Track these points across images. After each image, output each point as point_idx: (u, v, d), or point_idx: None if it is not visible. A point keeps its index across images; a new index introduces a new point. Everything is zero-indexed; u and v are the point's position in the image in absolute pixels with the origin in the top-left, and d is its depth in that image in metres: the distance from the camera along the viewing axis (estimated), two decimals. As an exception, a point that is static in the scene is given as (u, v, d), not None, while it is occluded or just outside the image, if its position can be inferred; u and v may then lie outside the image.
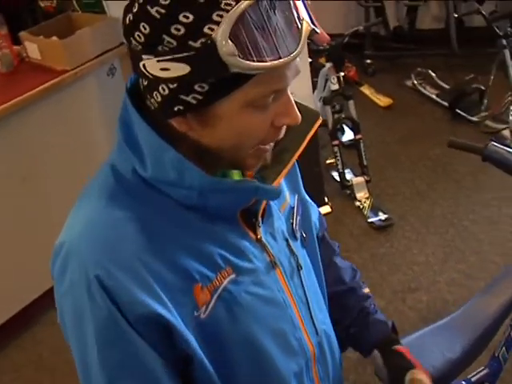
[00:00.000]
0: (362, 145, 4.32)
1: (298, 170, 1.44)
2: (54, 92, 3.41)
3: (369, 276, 3.61)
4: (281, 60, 0.95)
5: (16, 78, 3.56)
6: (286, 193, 1.35)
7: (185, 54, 0.95)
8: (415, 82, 5.58)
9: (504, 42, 4.65)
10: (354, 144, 4.42)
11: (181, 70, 0.96)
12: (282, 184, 1.34)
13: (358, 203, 4.22)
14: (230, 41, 0.91)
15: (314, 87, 4.55)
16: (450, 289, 3.47)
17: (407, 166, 4.60)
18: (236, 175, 1.19)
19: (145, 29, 0.97)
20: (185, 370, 1.10)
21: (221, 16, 0.92)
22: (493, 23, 4.72)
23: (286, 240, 1.29)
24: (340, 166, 4.29)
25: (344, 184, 4.32)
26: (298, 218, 1.36)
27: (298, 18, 1.00)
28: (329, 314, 1.48)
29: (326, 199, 4.23)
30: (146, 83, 1.02)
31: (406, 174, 4.52)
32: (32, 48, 3.62)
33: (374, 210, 4.13)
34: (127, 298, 1.00)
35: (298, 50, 0.97)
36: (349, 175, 4.40)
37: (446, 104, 5.17)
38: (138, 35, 0.98)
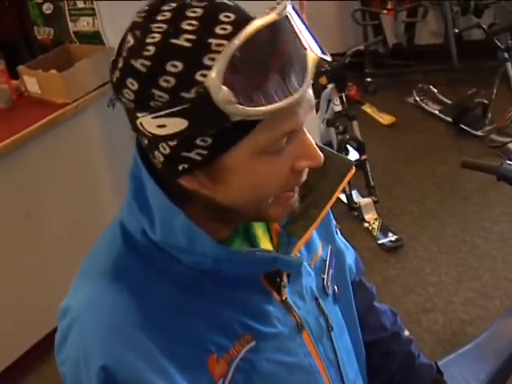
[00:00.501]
0: (367, 165, 4.26)
1: (331, 218, 1.33)
2: (54, 126, 3.36)
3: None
4: (287, 99, 0.84)
5: (15, 113, 3.51)
6: (319, 245, 1.24)
7: (179, 108, 0.85)
8: (417, 98, 5.55)
9: (506, 54, 4.63)
10: (359, 165, 4.35)
11: (178, 125, 0.86)
12: (314, 236, 1.23)
13: (366, 225, 4.17)
14: (224, 86, 0.81)
15: (317, 109, 4.52)
16: (465, 308, 3.40)
17: (414, 185, 4.55)
18: (260, 230, 1.12)
19: (132, 85, 0.88)
20: None
21: (213, 59, 0.83)
22: (493, 36, 4.69)
23: (316, 299, 1.17)
24: (347, 188, 4.23)
25: (351, 206, 4.25)
26: (331, 271, 1.25)
27: (302, 47, 0.89)
28: (369, 363, 1.40)
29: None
30: (146, 142, 0.93)
31: (413, 193, 4.46)
32: (31, 82, 3.58)
33: (384, 231, 4.08)
34: (133, 377, 0.92)
35: (306, 84, 0.86)
36: (356, 197, 4.34)
37: (449, 119, 5.14)
38: (127, 92, 0.89)
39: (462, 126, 5.01)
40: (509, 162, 1.99)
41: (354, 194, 4.34)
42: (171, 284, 0.98)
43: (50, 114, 3.33)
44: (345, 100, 4.26)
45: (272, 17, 0.84)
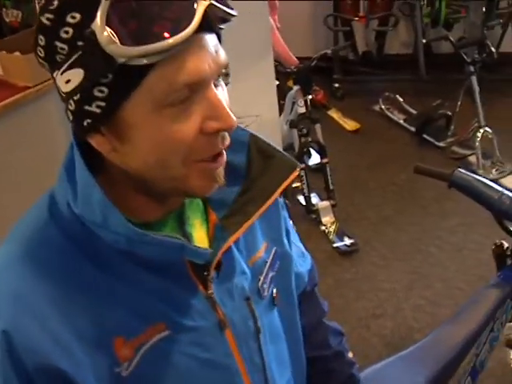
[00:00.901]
0: (328, 169, 4.27)
1: (283, 219, 1.27)
2: (15, 108, 3.32)
3: (333, 302, 3.55)
4: (173, 38, 0.83)
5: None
6: (262, 244, 1.20)
7: (76, 56, 0.86)
8: (383, 106, 5.60)
9: (471, 68, 4.66)
10: (320, 168, 4.38)
11: (77, 76, 0.87)
12: (256, 234, 1.19)
13: (323, 228, 4.17)
14: (108, 28, 0.82)
15: (282, 110, 4.53)
16: (415, 315, 3.42)
17: (374, 192, 4.58)
18: (197, 221, 1.09)
19: (41, 41, 0.89)
20: None
21: None
22: (460, 49, 4.73)
23: (247, 299, 1.12)
24: (306, 190, 4.24)
25: (309, 208, 4.26)
26: (271, 274, 1.20)
27: None
28: (308, 379, 1.36)
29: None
30: (65, 106, 0.93)
31: (372, 199, 4.49)
32: (-7, 62, 3.55)
33: (340, 234, 4.09)
34: (31, 353, 0.90)
35: (191, 27, 0.85)
36: (315, 199, 4.35)
37: (413, 129, 5.18)
38: (40, 50, 0.90)
39: (425, 136, 5.07)
40: (460, 170, 2.00)
41: (313, 196, 4.35)
42: (89, 261, 0.96)
43: (10, 96, 3.30)
44: (309, 103, 4.26)
45: None
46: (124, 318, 0.96)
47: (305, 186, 4.24)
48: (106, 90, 0.87)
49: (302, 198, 4.35)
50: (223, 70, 0.94)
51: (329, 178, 4.28)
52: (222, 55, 0.92)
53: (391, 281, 3.71)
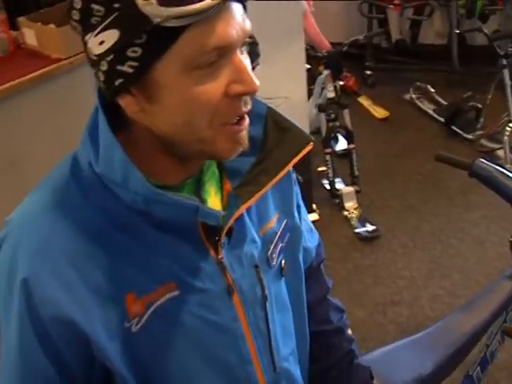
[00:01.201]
0: (354, 155, 4.29)
1: (294, 193, 1.32)
2: (48, 79, 3.37)
3: (351, 287, 3.58)
4: (205, 1, 0.88)
5: (10, 63, 3.51)
6: (274, 216, 1.24)
7: (112, 17, 0.91)
8: (413, 96, 5.58)
9: (504, 61, 4.62)
10: (346, 153, 4.39)
11: (112, 37, 0.92)
12: (269, 205, 1.24)
13: (345, 213, 4.19)
14: None
15: (311, 94, 4.55)
16: (431, 305, 3.44)
17: (399, 180, 4.58)
18: (212, 188, 1.14)
19: (77, 4, 0.94)
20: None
21: None
22: (494, 42, 4.70)
23: (256, 266, 1.17)
24: (331, 175, 4.27)
25: (333, 193, 4.29)
26: (280, 244, 1.25)
27: None
28: (309, 352, 1.40)
29: (314, 206, 4.20)
30: (95, 70, 0.98)
31: (397, 187, 4.50)
32: (29, 34, 3.59)
33: (362, 220, 4.11)
34: (46, 301, 0.96)
35: None
36: (339, 184, 4.37)
37: (442, 120, 5.17)
38: (75, 13, 0.95)
39: (454, 127, 5.04)
40: (482, 160, 2.01)
41: (338, 181, 4.37)
42: (106, 219, 1.01)
43: (43, 67, 3.34)
44: (338, 88, 4.28)
45: None
46: (137, 275, 1.01)
47: (330, 171, 4.26)
48: (139, 50, 0.91)
49: (326, 183, 4.37)
50: (247, 39, 0.99)
51: (354, 164, 4.30)
52: (248, 24, 0.98)
53: (410, 269, 3.73)
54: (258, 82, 0.98)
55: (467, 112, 5.09)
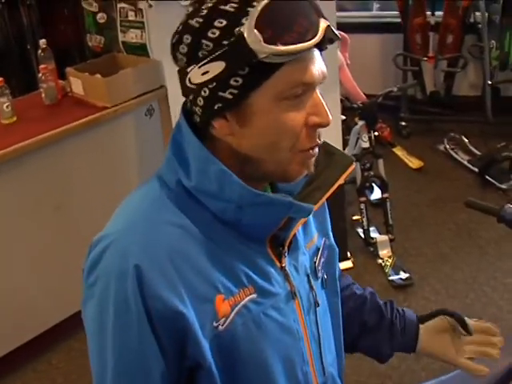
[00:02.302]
0: (388, 204, 4.36)
1: (328, 217, 1.48)
2: (92, 127, 3.53)
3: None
4: (301, 45, 1.05)
5: (58, 110, 3.69)
6: (315, 233, 1.41)
7: (220, 52, 1.07)
8: (447, 146, 5.64)
9: (537, 112, 4.69)
10: (380, 203, 4.46)
11: (217, 67, 1.07)
12: (311, 225, 1.40)
13: (380, 261, 4.25)
14: (255, 30, 1.04)
15: (346, 145, 4.64)
16: (465, 353, 3.45)
17: (432, 229, 4.63)
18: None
19: (187, 39, 1.10)
20: (190, 381, 1.15)
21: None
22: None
23: (308, 276, 1.33)
24: (365, 223, 4.34)
25: (368, 241, 4.35)
26: (322, 259, 1.40)
27: (318, 13, 1.10)
28: (359, 333, 1.58)
29: (349, 254, 4.27)
30: (191, 97, 1.14)
31: (430, 237, 4.54)
32: (76, 83, 3.76)
33: (396, 268, 4.16)
34: (154, 293, 1.07)
35: (316, 39, 1.07)
36: (373, 233, 4.44)
37: (476, 170, 5.22)
38: (183, 47, 1.12)
39: (488, 177, 5.09)
40: (510, 206, 2.06)
41: (372, 230, 4.44)
42: (197, 226, 1.15)
43: (89, 115, 3.50)
44: (373, 138, 4.37)
45: None
46: (223, 279, 1.15)
47: (364, 219, 4.33)
48: (240, 80, 1.08)
49: (361, 231, 4.45)
50: (323, 80, 1.15)
51: (389, 212, 4.36)
52: (325, 68, 1.14)
53: (443, 317, 3.74)
54: (331, 116, 1.15)
55: (501, 162, 5.15)
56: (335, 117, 3.84)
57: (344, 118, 4.54)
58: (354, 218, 4.63)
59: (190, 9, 1.14)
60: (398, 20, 6.15)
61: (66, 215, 3.55)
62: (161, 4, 3.56)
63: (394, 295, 3.96)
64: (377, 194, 4.73)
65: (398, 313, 1.63)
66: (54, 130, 3.34)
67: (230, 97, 1.09)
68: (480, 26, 5.73)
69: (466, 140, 5.59)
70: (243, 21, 1.06)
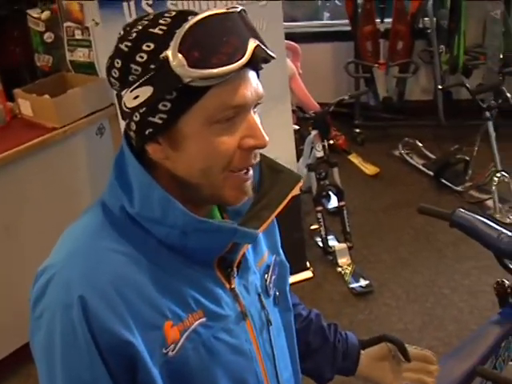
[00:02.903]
0: (345, 212, 4.37)
1: (277, 233, 1.47)
2: (43, 148, 3.47)
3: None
4: (226, 68, 1.04)
5: (7, 133, 3.62)
6: (265, 251, 1.39)
7: (147, 76, 1.06)
8: (402, 151, 5.69)
9: (488, 114, 4.75)
10: (337, 211, 4.47)
11: (147, 92, 1.06)
12: (261, 242, 1.38)
13: (339, 269, 4.24)
14: (179, 54, 1.03)
15: (302, 154, 4.64)
16: (427, 356, 3.45)
17: (390, 234, 4.65)
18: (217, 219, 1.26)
19: (118, 64, 1.10)
20: None
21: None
22: (477, 95, 4.83)
23: (259, 295, 1.32)
24: (323, 232, 4.34)
25: (326, 250, 4.35)
26: (273, 276, 1.39)
27: (249, 32, 1.09)
28: (303, 355, 1.54)
29: (308, 264, 4.26)
30: (127, 121, 1.12)
31: (388, 242, 4.56)
32: (24, 105, 3.70)
33: (356, 276, 4.16)
34: (100, 323, 1.04)
35: (244, 60, 1.05)
36: (332, 241, 4.44)
37: (431, 174, 5.27)
38: (114, 71, 1.11)
39: (443, 180, 5.14)
40: (461, 210, 2.07)
41: (330, 238, 4.44)
42: (141, 253, 1.13)
43: (39, 137, 3.44)
44: (327, 147, 4.37)
45: (221, 10, 1.08)
46: (171, 305, 1.13)
47: (322, 229, 4.34)
48: (169, 104, 1.07)
49: (319, 240, 4.44)
50: (259, 101, 1.14)
51: (346, 220, 4.37)
52: (261, 89, 1.13)
53: (404, 322, 3.76)
54: (267, 138, 1.13)
55: (455, 165, 5.21)
56: (288, 127, 3.85)
57: (297, 127, 4.55)
58: (312, 227, 4.63)
59: (122, 32, 1.12)
60: (349, 28, 6.19)
61: (15, 235, 3.48)
62: (107, 22, 3.54)
63: (355, 303, 3.97)
64: (334, 202, 4.75)
65: (340, 336, 1.65)
66: (4, 152, 3.28)
67: (160, 121, 1.08)
68: (429, 31, 5.83)
69: (421, 144, 5.65)
70: (171, 43, 1.05)
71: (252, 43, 1.08)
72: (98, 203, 1.19)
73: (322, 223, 4.33)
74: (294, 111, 4.17)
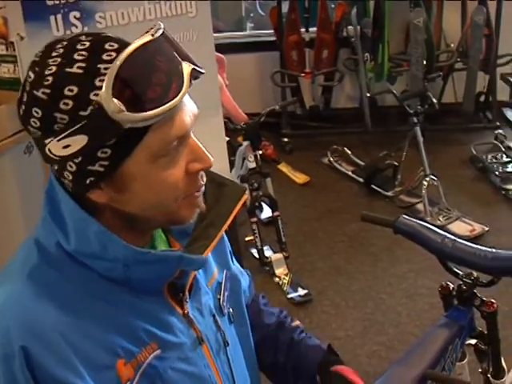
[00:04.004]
0: (279, 222, 4.35)
1: (226, 245, 1.44)
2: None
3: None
4: (167, 105, 0.97)
5: None
6: (215, 268, 1.35)
7: (79, 125, 0.97)
8: (331, 159, 5.72)
9: (415, 119, 4.82)
10: (272, 221, 4.45)
11: (80, 141, 0.97)
12: (210, 260, 1.34)
13: (277, 279, 4.22)
14: (114, 99, 0.94)
15: (232, 165, 4.61)
16: (370, 361, 3.47)
17: (325, 242, 4.66)
18: (163, 246, 1.21)
19: (37, 113, 0.99)
20: None
21: (103, 80, 0.96)
22: (403, 102, 4.90)
23: (213, 316, 1.28)
24: (259, 243, 4.31)
25: (263, 261, 4.32)
26: (226, 293, 1.35)
27: (179, 61, 1.03)
28: (261, 362, 1.49)
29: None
30: (56, 167, 1.04)
31: (323, 250, 4.56)
32: None
33: (293, 285, 4.14)
34: (45, 372, 0.98)
35: (183, 91, 1.00)
36: (268, 252, 4.41)
37: (361, 180, 5.31)
38: (34, 121, 1.00)
39: (373, 186, 5.19)
40: (404, 216, 2.08)
41: (266, 249, 4.42)
42: (84, 291, 1.07)
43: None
44: (259, 158, 4.36)
45: (146, 38, 0.98)
46: (121, 341, 1.06)
47: (257, 240, 4.31)
48: (109, 151, 0.98)
49: (255, 251, 4.42)
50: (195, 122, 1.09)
51: (281, 230, 4.36)
52: (195, 107, 1.08)
53: (345, 328, 3.77)
54: (212, 158, 1.09)
55: (384, 170, 5.27)
56: (220, 140, 3.81)
57: (228, 139, 4.52)
58: (247, 238, 4.59)
59: (32, 75, 1.01)
60: (273, 38, 6.22)
61: None
62: (33, 36, 3.44)
63: (295, 312, 3.95)
64: (267, 212, 4.73)
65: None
66: None
67: (102, 169, 1.00)
68: (353, 39, 5.90)
69: (349, 151, 5.69)
70: (97, 83, 0.96)
71: (186, 68, 1.03)
72: (31, 241, 1.12)
73: (257, 234, 4.30)
74: (224, 123, 4.14)
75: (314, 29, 6.03)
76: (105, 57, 0.97)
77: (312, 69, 6.04)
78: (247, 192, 4.34)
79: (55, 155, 1.00)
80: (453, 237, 2.00)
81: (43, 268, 1.07)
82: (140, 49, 0.97)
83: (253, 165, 4.34)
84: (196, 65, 1.06)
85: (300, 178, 5.58)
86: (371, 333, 3.71)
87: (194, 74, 1.05)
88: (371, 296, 4.04)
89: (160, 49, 1.00)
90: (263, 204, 4.77)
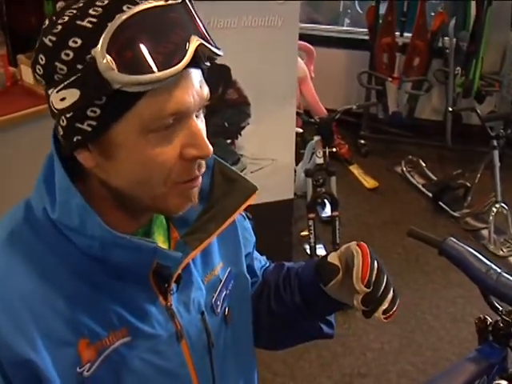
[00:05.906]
0: (337, 222, 4.27)
1: (239, 240, 1.34)
2: (38, 118, 3.39)
3: (320, 354, 3.55)
4: (160, 73, 0.91)
5: (5, 98, 3.57)
6: (217, 264, 1.27)
7: (74, 78, 0.93)
8: (404, 168, 5.62)
9: (495, 142, 4.67)
10: (330, 220, 4.39)
11: (73, 96, 0.94)
12: (214, 253, 1.26)
13: (323, 280, 4.16)
14: (108, 55, 0.90)
15: (301, 158, 4.57)
16: (400, 380, 3.40)
17: (380, 251, 4.55)
18: (160, 237, 1.16)
19: (42, 60, 0.97)
20: None
21: None
22: (487, 123, 4.76)
23: (202, 313, 1.20)
24: (312, 240, 4.25)
25: (313, 258, 4.27)
26: (224, 292, 1.27)
27: (192, 28, 0.97)
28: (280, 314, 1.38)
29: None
30: (55, 123, 1.01)
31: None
32: (27, 72, 3.63)
33: (338, 289, 4.07)
34: (1, 338, 0.95)
35: (182, 63, 0.93)
36: (320, 250, 4.34)
37: (430, 195, 5.20)
38: (39, 68, 0.98)
39: (441, 203, 5.07)
40: (452, 239, 2.01)
41: (319, 247, 4.35)
42: (60, 263, 1.02)
43: (36, 106, 3.37)
44: (327, 154, 4.28)
45: (159, 2, 0.93)
46: (90, 321, 1.02)
47: (312, 236, 4.24)
48: (98, 110, 0.94)
49: (308, 247, 4.36)
50: (204, 103, 1.02)
51: (337, 231, 4.27)
52: (205, 89, 1.01)
53: (381, 341, 3.70)
54: (211, 148, 1.02)
55: (456, 189, 5.15)
56: (289, 130, 3.76)
57: (301, 131, 4.47)
58: (302, 233, 4.54)
59: (47, 22, 0.98)
60: (367, 37, 6.12)
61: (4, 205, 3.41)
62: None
63: (334, 316, 3.89)
64: (328, 210, 4.67)
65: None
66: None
67: (89, 129, 0.95)
68: (447, 51, 5.76)
69: (424, 164, 5.58)
70: (100, 39, 0.92)
71: (194, 41, 0.96)
72: (24, 201, 1.09)
73: (312, 231, 4.24)
74: (298, 114, 4.08)
75: (409, 34, 5.91)
76: (117, 15, 0.92)
77: (401, 74, 5.92)
78: (309, 183, 4.28)
79: (55, 108, 0.97)
80: (499, 269, 1.92)
81: (25, 230, 1.04)
82: (148, 11, 0.92)
83: (320, 161, 4.28)
84: (211, 43, 1.00)
85: (369, 182, 5.50)
86: (407, 352, 3.63)
87: (207, 54, 0.98)
88: (415, 314, 3.95)
89: (170, 16, 0.95)
90: (326, 201, 4.70)
